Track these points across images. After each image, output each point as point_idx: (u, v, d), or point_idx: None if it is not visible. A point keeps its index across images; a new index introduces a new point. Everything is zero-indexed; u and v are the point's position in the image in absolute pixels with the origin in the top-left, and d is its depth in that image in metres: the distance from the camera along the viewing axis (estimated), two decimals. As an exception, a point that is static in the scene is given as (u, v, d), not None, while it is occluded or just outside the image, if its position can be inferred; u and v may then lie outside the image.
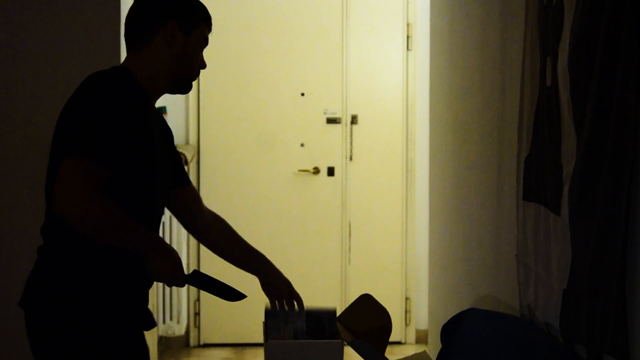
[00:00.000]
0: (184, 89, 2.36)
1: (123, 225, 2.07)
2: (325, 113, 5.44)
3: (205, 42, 2.37)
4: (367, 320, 2.44)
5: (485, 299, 3.17)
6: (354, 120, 5.45)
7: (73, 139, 2.05)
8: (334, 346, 2.23)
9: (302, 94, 5.40)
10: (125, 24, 2.32)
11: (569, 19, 2.15)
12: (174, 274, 2.15)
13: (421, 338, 5.47)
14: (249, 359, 5.18)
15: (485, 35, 3.22)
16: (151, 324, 2.30)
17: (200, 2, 2.38)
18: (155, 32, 2.25)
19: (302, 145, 5.41)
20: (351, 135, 5.46)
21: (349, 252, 5.48)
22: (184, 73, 2.31)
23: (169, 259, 2.13)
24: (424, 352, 2.84)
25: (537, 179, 2.46)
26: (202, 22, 2.34)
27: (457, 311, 2.83)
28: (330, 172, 5.45)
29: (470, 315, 2.70)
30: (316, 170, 5.43)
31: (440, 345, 2.76)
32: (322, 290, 5.46)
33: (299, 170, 5.39)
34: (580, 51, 2.06)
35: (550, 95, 2.31)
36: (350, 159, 5.47)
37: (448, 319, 2.77)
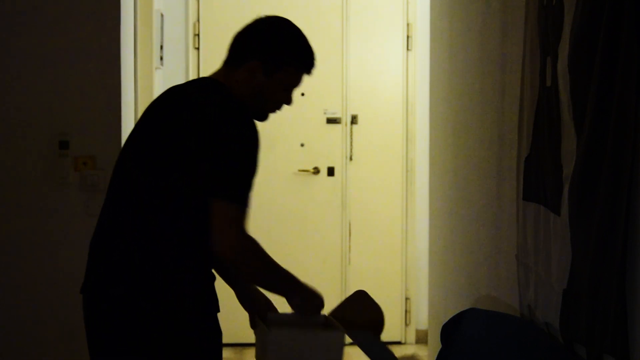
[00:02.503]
0: (259, 117, 2.41)
1: (271, 270, 2.31)
2: (325, 113, 5.44)
3: (292, 85, 2.44)
4: (360, 315, 2.48)
5: (485, 299, 3.17)
6: (354, 120, 5.45)
7: (228, 182, 2.18)
8: (336, 336, 2.30)
9: (302, 94, 5.40)
10: (233, 38, 2.41)
11: (569, 19, 2.15)
12: (313, 309, 2.42)
13: (421, 338, 5.47)
14: (249, 359, 5.18)
15: (485, 35, 3.22)
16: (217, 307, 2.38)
17: (301, 49, 2.44)
18: (241, 64, 2.36)
19: (302, 145, 5.41)
20: (351, 135, 5.46)
21: (349, 252, 5.49)
22: (258, 106, 2.39)
23: (310, 298, 2.42)
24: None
25: (537, 179, 2.46)
26: (292, 68, 2.41)
27: (457, 311, 2.82)
28: (330, 172, 5.45)
29: (470, 315, 2.70)
30: (316, 170, 5.43)
31: (440, 345, 2.76)
32: (322, 290, 5.42)
33: (299, 170, 5.39)
34: (580, 51, 2.06)
35: (550, 95, 2.31)
36: (350, 159, 5.47)
37: (448, 319, 2.77)
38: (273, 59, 2.36)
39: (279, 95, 2.41)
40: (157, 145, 2.24)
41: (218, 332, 2.36)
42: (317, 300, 2.44)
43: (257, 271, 2.29)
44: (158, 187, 2.21)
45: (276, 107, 2.44)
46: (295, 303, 2.40)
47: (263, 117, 2.43)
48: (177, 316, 2.23)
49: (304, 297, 2.42)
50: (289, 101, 2.44)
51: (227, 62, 2.39)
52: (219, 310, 2.39)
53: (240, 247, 2.19)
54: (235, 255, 2.20)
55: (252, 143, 2.23)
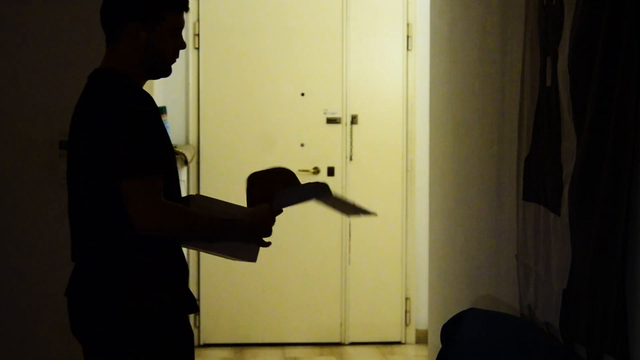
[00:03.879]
0: (163, 73, 2.43)
1: (201, 222, 2.29)
2: (325, 113, 5.44)
3: (178, 29, 2.38)
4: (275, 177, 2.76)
5: (485, 299, 3.17)
6: (354, 120, 5.45)
7: (122, 161, 2.18)
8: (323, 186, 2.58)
9: (302, 94, 5.40)
10: (100, 18, 2.38)
11: (569, 19, 2.15)
12: (262, 234, 2.42)
13: (421, 338, 5.47)
14: (249, 359, 5.18)
15: (485, 35, 3.22)
16: (194, 307, 2.38)
17: None
18: (120, 33, 2.33)
19: (302, 145, 5.41)
20: (351, 135, 5.46)
21: (349, 252, 5.48)
22: (156, 64, 2.37)
23: (250, 233, 2.39)
24: None
25: (537, 179, 2.46)
26: (171, 12, 2.35)
27: (457, 311, 2.83)
28: (330, 172, 5.45)
29: (470, 315, 2.71)
30: (316, 170, 5.43)
31: (440, 345, 2.76)
32: (322, 290, 5.46)
33: (299, 170, 5.39)
34: (580, 51, 2.06)
35: (550, 95, 2.31)
36: (350, 159, 5.47)
37: (448, 319, 2.77)
38: (148, 12, 2.32)
39: (170, 44, 2.37)
40: (77, 155, 2.30)
41: (189, 333, 2.35)
42: (259, 218, 2.42)
43: (187, 231, 2.28)
44: (91, 188, 2.26)
45: (174, 55, 2.40)
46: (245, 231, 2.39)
47: (167, 72, 2.43)
48: (144, 311, 2.24)
49: (249, 225, 2.40)
50: (182, 45, 2.41)
51: (107, 42, 2.37)
52: (195, 311, 2.39)
53: (164, 216, 2.20)
54: (157, 226, 2.20)
55: (134, 114, 2.22)
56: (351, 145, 5.46)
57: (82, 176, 2.27)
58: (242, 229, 2.37)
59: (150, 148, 2.21)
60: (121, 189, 2.18)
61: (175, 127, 5.08)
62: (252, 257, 2.46)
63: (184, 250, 2.47)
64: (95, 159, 2.22)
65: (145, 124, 2.23)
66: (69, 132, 2.37)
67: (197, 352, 5.36)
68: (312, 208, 5.55)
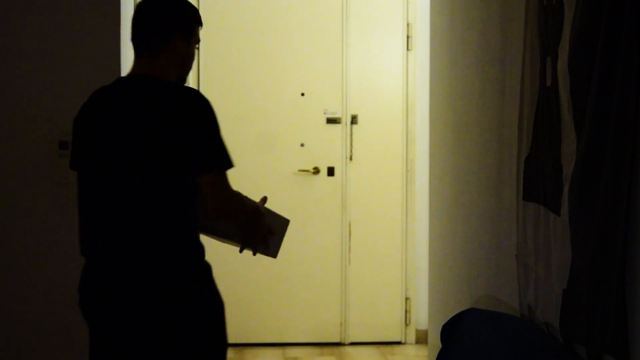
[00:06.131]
0: (185, 82, 2.71)
1: (247, 207, 2.69)
2: (325, 113, 5.44)
3: (198, 42, 2.71)
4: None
5: (485, 299, 3.17)
6: (354, 120, 5.45)
7: (218, 155, 2.49)
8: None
9: (302, 94, 5.40)
10: (135, 30, 2.61)
11: (569, 19, 2.15)
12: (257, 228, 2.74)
13: (421, 338, 5.47)
14: (249, 359, 5.18)
15: (485, 35, 3.22)
16: None
17: (193, 7, 2.69)
18: (166, 45, 2.58)
19: (302, 145, 5.41)
20: (351, 135, 5.46)
21: (349, 252, 5.48)
22: (184, 74, 2.68)
23: (252, 223, 2.72)
24: None
25: (537, 179, 2.46)
26: (197, 27, 2.68)
27: (457, 311, 2.83)
28: (330, 172, 5.45)
29: (470, 315, 2.71)
30: (316, 170, 5.43)
31: (440, 345, 2.76)
32: (322, 290, 5.46)
33: (299, 170, 5.39)
34: (580, 51, 2.06)
35: (550, 95, 2.31)
36: (350, 159, 5.47)
37: (448, 319, 2.77)
38: (187, 27, 2.62)
39: (194, 55, 2.70)
40: (152, 148, 2.47)
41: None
42: (255, 221, 2.73)
43: (242, 213, 2.65)
44: (160, 179, 2.46)
45: (191, 67, 2.71)
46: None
47: (185, 82, 2.70)
48: (199, 287, 2.53)
49: (250, 221, 2.72)
50: (194, 56, 2.73)
51: (150, 52, 2.58)
52: None
53: (236, 201, 2.57)
54: (234, 208, 2.57)
55: (213, 112, 2.50)
56: (351, 145, 5.46)
57: (154, 170, 2.45)
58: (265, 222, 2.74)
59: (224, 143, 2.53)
60: (211, 179, 2.46)
61: (175, 127, 5.07)
62: (274, 252, 2.77)
63: None
64: (177, 155, 2.44)
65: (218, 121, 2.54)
66: (112, 130, 2.51)
67: (197, 352, 5.37)
68: (313, 208, 5.57)
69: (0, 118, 3.59)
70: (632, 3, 1.80)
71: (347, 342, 5.51)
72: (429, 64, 4.44)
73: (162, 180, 2.45)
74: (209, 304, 2.54)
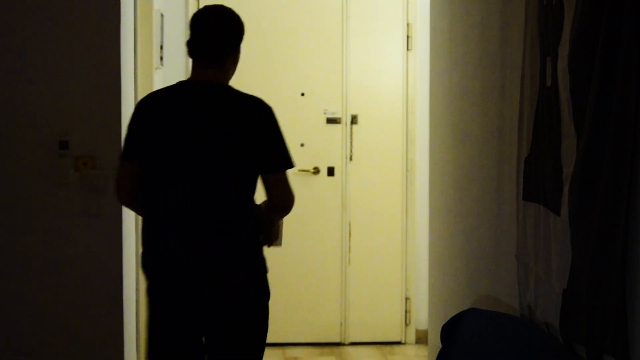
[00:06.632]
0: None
1: None
2: (325, 113, 5.44)
3: None
4: None
5: (485, 299, 3.17)
6: (354, 120, 5.45)
7: (287, 156, 2.93)
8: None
9: (302, 94, 5.40)
10: (200, 42, 2.92)
11: (569, 19, 2.15)
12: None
13: (421, 338, 5.47)
14: None
15: (485, 35, 3.22)
16: None
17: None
18: (230, 56, 2.97)
19: (302, 145, 5.41)
20: (351, 135, 5.46)
21: (349, 252, 5.48)
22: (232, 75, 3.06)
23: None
24: None
25: (537, 179, 2.46)
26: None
27: (457, 311, 2.83)
28: (330, 172, 5.45)
29: (470, 315, 2.71)
30: (316, 170, 5.43)
31: (440, 345, 2.76)
32: (322, 290, 5.46)
33: (299, 170, 5.39)
34: (580, 51, 2.06)
35: (550, 95, 2.31)
36: (350, 159, 5.47)
37: (448, 319, 2.77)
38: (242, 37, 3.01)
39: None
40: (234, 145, 2.86)
41: None
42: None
43: (290, 208, 3.03)
44: (243, 169, 2.87)
45: None
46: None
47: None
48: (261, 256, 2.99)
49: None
50: None
51: (215, 62, 2.93)
52: None
53: (292, 196, 2.98)
54: (293, 201, 2.99)
55: (276, 118, 2.94)
56: (351, 145, 5.46)
57: (231, 167, 2.84)
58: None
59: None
60: (278, 177, 2.92)
61: (175, 127, 5.07)
62: (281, 241, 3.14)
63: None
64: (251, 155, 2.86)
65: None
66: (190, 128, 2.85)
67: (197, 352, 5.36)
68: (313, 208, 5.57)
69: (0, 118, 3.59)
70: (632, 3, 1.80)
71: (347, 342, 5.51)
72: (429, 64, 4.44)
73: (239, 175, 2.85)
74: (265, 274, 2.99)
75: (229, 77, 2.99)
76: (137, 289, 4.00)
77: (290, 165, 2.94)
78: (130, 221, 3.86)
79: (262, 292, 3.00)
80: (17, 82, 3.59)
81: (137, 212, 3.14)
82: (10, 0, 3.59)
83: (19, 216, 3.60)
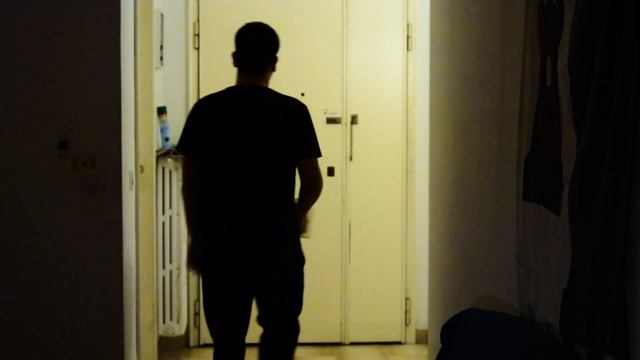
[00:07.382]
0: None
1: None
2: (325, 113, 5.44)
3: None
4: None
5: (485, 299, 3.17)
6: (354, 120, 5.45)
7: (315, 146, 3.63)
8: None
9: (302, 94, 5.40)
10: (254, 55, 3.59)
11: (569, 19, 2.15)
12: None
13: (421, 338, 5.47)
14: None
15: (485, 35, 3.22)
16: None
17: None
18: (271, 64, 3.65)
19: (302, 145, 5.40)
20: (351, 135, 5.46)
21: (349, 252, 5.48)
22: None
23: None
24: None
25: (537, 179, 2.46)
26: None
27: (457, 311, 2.83)
28: (330, 172, 5.45)
29: (470, 315, 2.71)
30: (316, 170, 5.43)
31: (440, 345, 2.76)
32: (322, 290, 5.46)
33: (299, 170, 5.39)
34: (580, 51, 2.06)
35: (550, 95, 2.31)
36: (350, 159, 5.47)
37: (448, 319, 2.77)
38: (276, 52, 3.66)
39: None
40: (279, 139, 3.55)
41: None
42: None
43: (319, 193, 3.74)
44: (285, 161, 3.56)
45: None
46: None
47: None
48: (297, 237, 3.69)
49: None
50: None
51: (259, 69, 3.61)
52: None
53: (321, 180, 3.68)
54: (322, 186, 3.70)
55: (309, 115, 3.63)
56: (351, 145, 5.46)
57: (277, 153, 3.52)
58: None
59: None
60: (310, 162, 3.62)
61: (175, 127, 5.07)
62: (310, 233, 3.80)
63: None
64: (292, 144, 3.55)
65: None
66: (246, 125, 3.53)
67: (197, 352, 5.37)
68: (313, 208, 5.55)
69: (0, 118, 3.59)
70: (632, 3, 1.80)
71: (347, 342, 5.51)
72: (429, 64, 4.44)
73: (282, 161, 3.52)
74: (300, 245, 3.67)
75: (268, 81, 3.63)
76: (137, 289, 4.00)
77: (319, 154, 3.62)
78: (130, 221, 3.86)
79: (299, 258, 3.67)
80: (17, 82, 3.59)
81: (190, 203, 3.60)
82: (11, 0, 3.59)
83: (19, 216, 3.60)
